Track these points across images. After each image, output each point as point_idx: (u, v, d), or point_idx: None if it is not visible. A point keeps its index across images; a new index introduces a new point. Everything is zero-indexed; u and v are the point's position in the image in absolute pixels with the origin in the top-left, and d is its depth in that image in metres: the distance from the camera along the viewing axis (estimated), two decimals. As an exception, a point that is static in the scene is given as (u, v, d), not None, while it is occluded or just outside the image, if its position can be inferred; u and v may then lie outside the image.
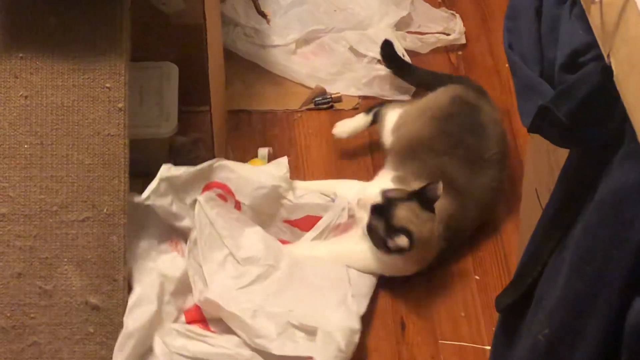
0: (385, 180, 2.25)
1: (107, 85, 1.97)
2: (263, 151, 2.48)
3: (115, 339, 1.95)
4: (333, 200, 2.27)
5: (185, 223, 2.13)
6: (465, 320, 2.19)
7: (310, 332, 1.98)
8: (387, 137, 2.40)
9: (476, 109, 2.38)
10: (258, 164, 2.39)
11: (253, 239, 2.14)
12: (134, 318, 1.95)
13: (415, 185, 2.19)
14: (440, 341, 2.15)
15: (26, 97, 1.95)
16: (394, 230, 2.09)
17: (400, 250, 2.10)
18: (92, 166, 1.97)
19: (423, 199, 2.12)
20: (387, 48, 2.67)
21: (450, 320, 2.18)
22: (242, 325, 1.99)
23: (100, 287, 1.95)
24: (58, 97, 1.96)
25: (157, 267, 2.05)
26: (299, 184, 2.32)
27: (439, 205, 2.15)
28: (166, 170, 2.11)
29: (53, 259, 1.95)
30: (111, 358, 1.94)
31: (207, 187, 2.17)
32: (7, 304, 1.94)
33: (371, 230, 2.13)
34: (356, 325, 2.02)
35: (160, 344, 1.97)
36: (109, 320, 1.95)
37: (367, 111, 2.48)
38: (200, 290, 2.04)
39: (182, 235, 2.15)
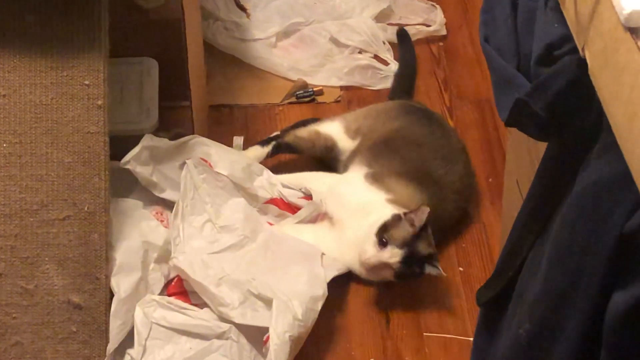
0: (358, 177, 2.25)
1: (86, 82, 1.95)
2: (238, 140, 2.49)
3: (98, 337, 1.94)
4: (304, 193, 2.27)
5: (166, 195, 2.16)
6: (450, 313, 2.18)
7: (268, 302, 1.97)
8: (346, 143, 2.37)
9: (425, 109, 2.46)
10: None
11: (234, 209, 2.17)
12: (123, 284, 1.96)
13: (391, 181, 2.20)
14: (425, 334, 2.14)
15: (4, 95, 1.94)
16: (424, 260, 2.12)
17: None
18: (72, 164, 1.95)
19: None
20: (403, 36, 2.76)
21: (434, 313, 2.18)
22: (207, 293, 2.00)
23: (83, 285, 1.94)
24: (36, 95, 1.95)
25: (139, 233, 2.06)
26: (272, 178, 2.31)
27: (421, 200, 2.16)
28: (149, 139, 2.14)
29: (34, 258, 1.93)
30: (95, 357, 1.94)
31: None
32: (-12, 304, 1.93)
33: (405, 276, 2.13)
34: (319, 291, 2.02)
35: (140, 314, 1.98)
36: (92, 319, 1.94)
37: (263, 144, 2.42)
38: (173, 256, 2.06)
39: (167, 205, 2.17)
